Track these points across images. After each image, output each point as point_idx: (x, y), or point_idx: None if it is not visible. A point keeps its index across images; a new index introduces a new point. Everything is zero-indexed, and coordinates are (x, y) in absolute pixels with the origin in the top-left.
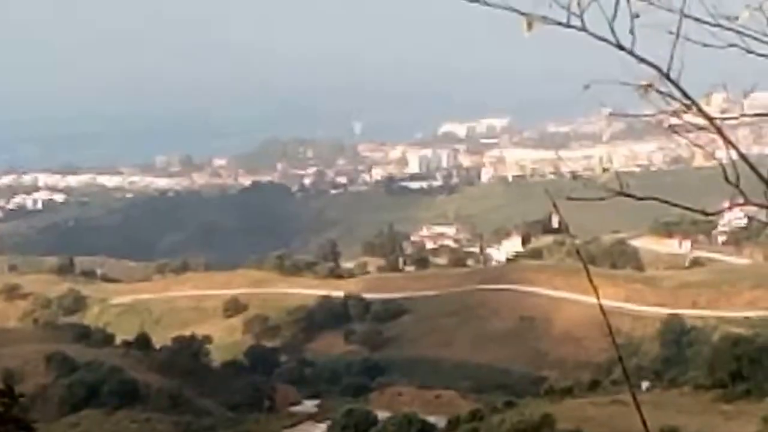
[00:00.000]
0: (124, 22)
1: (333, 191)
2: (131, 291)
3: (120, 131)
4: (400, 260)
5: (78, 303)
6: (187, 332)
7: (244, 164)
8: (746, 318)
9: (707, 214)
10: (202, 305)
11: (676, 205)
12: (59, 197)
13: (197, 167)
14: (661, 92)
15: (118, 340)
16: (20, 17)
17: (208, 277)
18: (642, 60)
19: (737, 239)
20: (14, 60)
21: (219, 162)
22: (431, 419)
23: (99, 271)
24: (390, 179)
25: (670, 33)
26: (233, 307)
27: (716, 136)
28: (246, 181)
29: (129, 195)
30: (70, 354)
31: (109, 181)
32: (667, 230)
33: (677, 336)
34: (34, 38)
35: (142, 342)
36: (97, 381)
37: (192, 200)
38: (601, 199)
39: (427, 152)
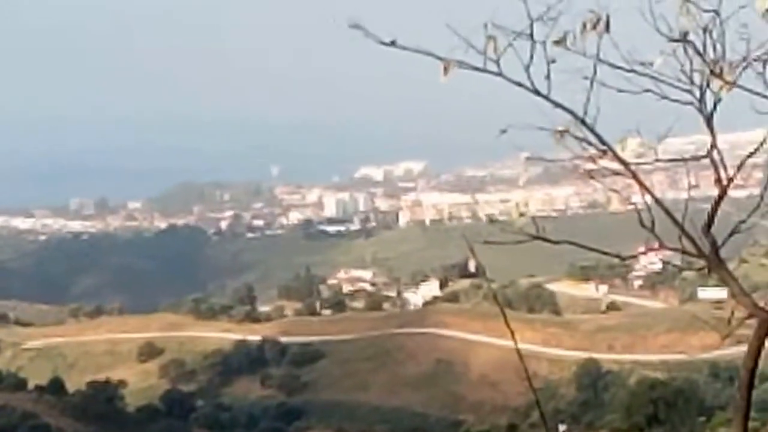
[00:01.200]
0: (37, 58)
1: (249, 234)
2: (44, 335)
3: (33, 173)
4: (317, 304)
5: None
6: (101, 377)
7: (160, 207)
8: (662, 362)
9: (623, 259)
10: (117, 349)
11: (592, 249)
12: None
13: (112, 210)
14: (577, 137)
15: (31, 385)
16: None
17: (123, 320)
18: (558, 105)
19: (653, 283)
20: None
21: (134, 205)
22: None
23: (11, 315)
24: (307, 223)
25: (585, 78)
26: (148, 351)
27: (632, 181)
28: (162, 224)
29: (42, 237)
30: None
31: (22, 223)
32: (583, 274)
33: (594, 379)
34: None
35: (56, 386)
36: (10, 426)
37: (106, 243)
38: (519, 242)
39: (345, 195)
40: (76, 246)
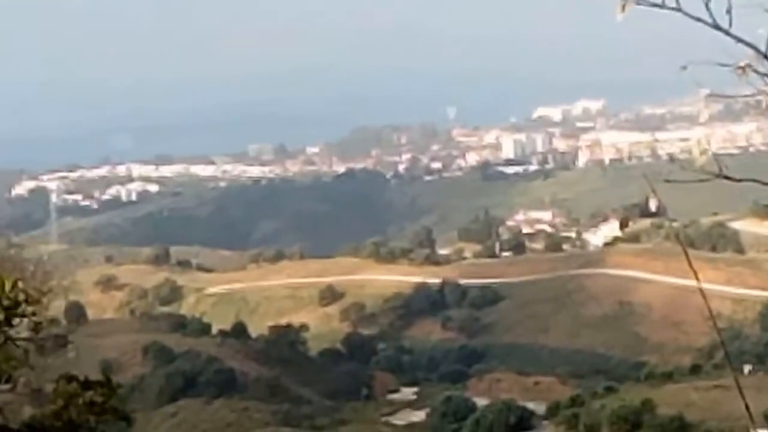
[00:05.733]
0: (212, 14)
1: (427, 177)
2: (226, 280)
3: (212, 121)
4: (497, 246)
5: (174, 293)
6: (283, 321)
7: (338, 151)
8: None
9: None
10: (298, 294)
11: None
12: (153, 188)
13: (290, 155)
14: (759, 72)
15: (214, 330)
16: (112, 7)
17: (304, 265)
18: (739, 40)
19: None
20: (105, 51)
21: (312, 150)
22: (530, 405)
23: (194, 261)
24: (485, 164)
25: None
26: (329, 295)
27: None
28: (340, 168)
29: (222, 184)
30: (167, 344)
31: (202, 170)
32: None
33: None
34: (130, 29)
35: (239, 331)
36: (195, 371)
37: (286, 188)
38: (700, 181)
39: (522, 136)
40: (255, 192)
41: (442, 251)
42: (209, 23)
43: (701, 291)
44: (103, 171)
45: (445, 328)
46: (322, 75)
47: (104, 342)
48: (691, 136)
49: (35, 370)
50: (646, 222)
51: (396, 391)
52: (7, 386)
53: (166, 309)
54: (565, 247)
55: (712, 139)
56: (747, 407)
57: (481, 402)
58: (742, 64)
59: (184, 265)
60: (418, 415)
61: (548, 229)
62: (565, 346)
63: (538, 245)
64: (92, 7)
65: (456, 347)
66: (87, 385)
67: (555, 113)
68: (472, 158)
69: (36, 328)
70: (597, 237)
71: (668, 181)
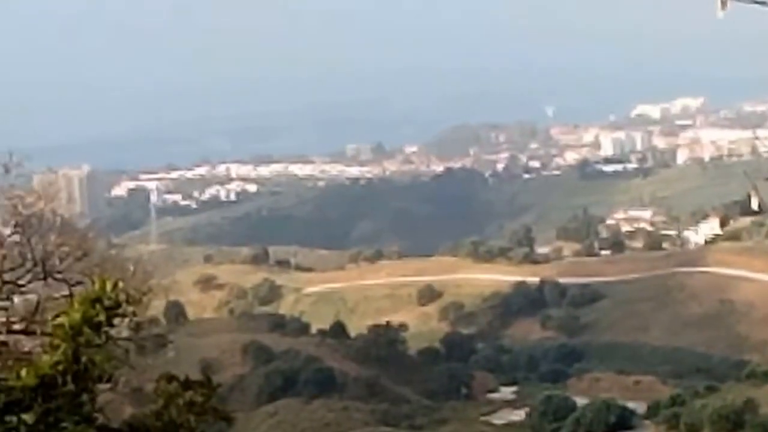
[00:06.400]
0: (309, 15)
1: (526, 175)
2: (325, 280)
3: (310, 121)
4: (596, 244)
5: (273, 292)
6: (382, 320)
7: (436, 150)
8: None
9: None
10: (397, 293)
11: None
12: (252, 187)
13: (388, 155)
14: None
15: (313, 329)
16: (207, 8)
17: (402, 264)
18: None
19: None
20: (204, 53)
21: (410, 149)
22: (630, 405)
23: (293, 261)
24: (584, 163)
25: None
26: (428, 295)
27: None
28: (438, 167)
29: (321, 184)
30: (267, 343)
31: (300, 170)
32: None
33: None
34: (227, 31)
35: (338, 330)
36: (294, 370)
37: (384, 188)
38: None
39: (621, 134)
40: (354, 191)
41: (541, 250)
42: (307, 25)
43: None
44: (201, 171)
45: (544, 327)
46: (419, 75)
47: (204, 342)
48: None
49: (136, 370)
50: (747, 220)
51: (495, 390)
52: (108, 386)
53: (265, 308)
54: (664, 245)
55: None
56: None
57: (581, 401)
58: None
59: (282, 264)
60: (518, 415)
61: (648, 227)
62: (666, 344)
63: (638, 243)
64: (186, 9)
65: (555, 346)
66: (187, 384)
67: (654, 111)
68: (571, 156)
69: (136, 328)
70: (697, 235)
71: None
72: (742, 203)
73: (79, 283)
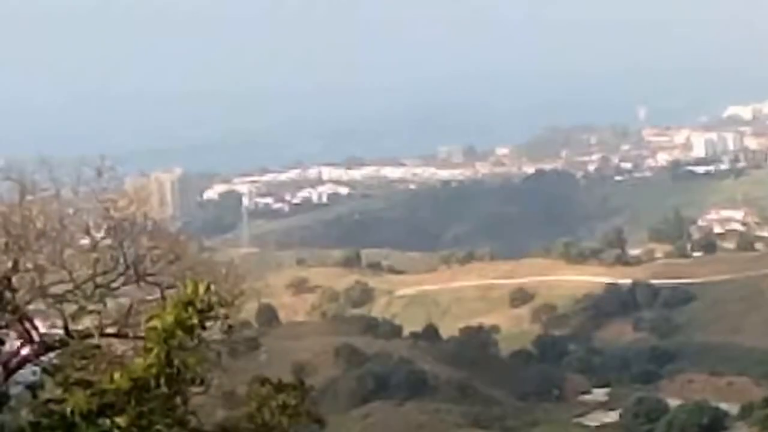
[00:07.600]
0: (397, 17)
1: (617, 177)
2: (417, 282)
3: (402, 123)
4: (688, 245)
5: (365, 295)
6: (474, 322)
7: (527, 152)
8: None
9: None
10: (489, 295)
11: None
12: (343, 190)
13: (479, 157)
14: None
15: (405, 332)
16: (300, 12)
17: (494, 266)
18: None
19: None
20: (296, 58)
21: (502, 151)
22: (723, 406)
23: (384, 263)
24: (675, 164)
25: None
26: (520, 296)
27: None
28: (529, 169)
29: (412, 186)
30: (359, 346)
31: (392, 173)
32: None
33: None
34: (318, 37)
35: (430, 333)
36: (386, 372)
37: (475, 190)
38: None
39: (713, 136)
40: (445, 193)
41: (633, 251)
42: (395, 26)
43: None
44: (293, 174)
45: (636, 329)
46: (513, 77)
47: (296, 344)
48: None
49: (228, 373)
50: None
51: (587, 392)
52: (201, 389)
53: (357, 311)
54: (758, 246)
55: None
56: None
57: (674, 403)
58: None
59: (374, 267)
60: (611, 416)
61: (740, 228)
62: (759, 346)
63: (730, 244)
64: (276, 14)
65: (647, 348)
66: (280, 387)
67: (746, 112)
68: (663, 158)
69: (229, 330)
70: None
71: None
72: None
73: (171, 286)
